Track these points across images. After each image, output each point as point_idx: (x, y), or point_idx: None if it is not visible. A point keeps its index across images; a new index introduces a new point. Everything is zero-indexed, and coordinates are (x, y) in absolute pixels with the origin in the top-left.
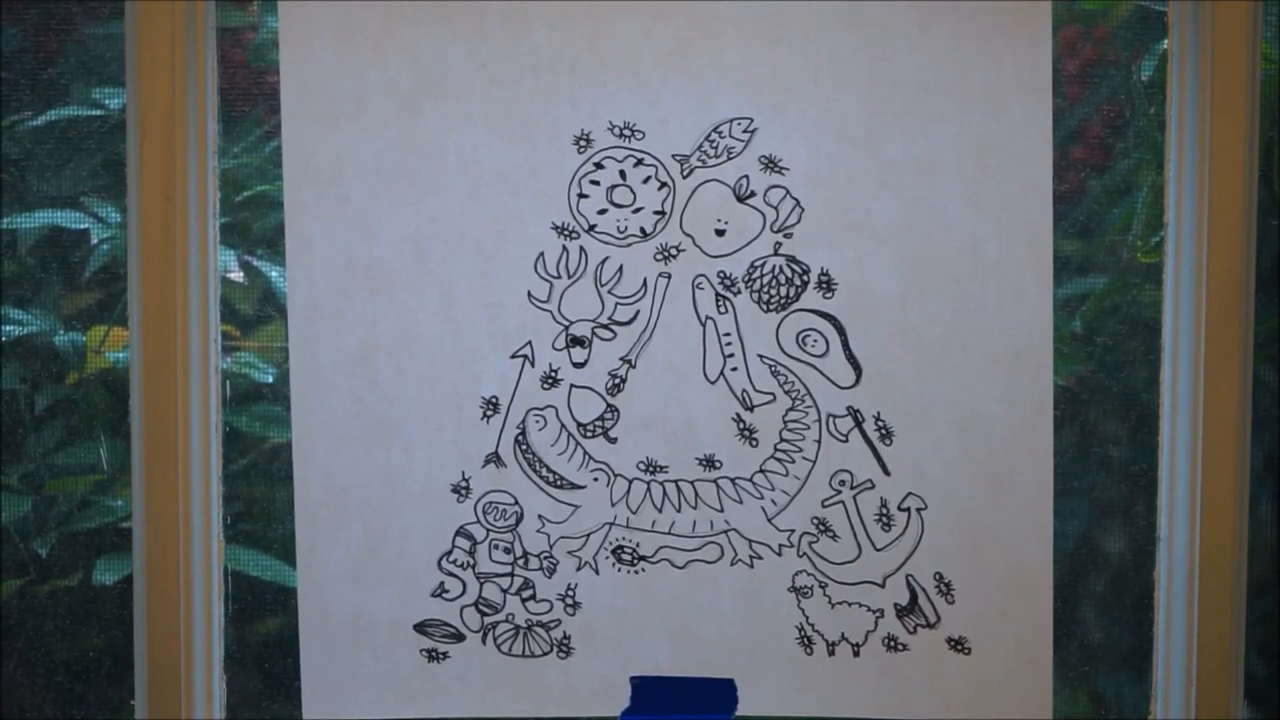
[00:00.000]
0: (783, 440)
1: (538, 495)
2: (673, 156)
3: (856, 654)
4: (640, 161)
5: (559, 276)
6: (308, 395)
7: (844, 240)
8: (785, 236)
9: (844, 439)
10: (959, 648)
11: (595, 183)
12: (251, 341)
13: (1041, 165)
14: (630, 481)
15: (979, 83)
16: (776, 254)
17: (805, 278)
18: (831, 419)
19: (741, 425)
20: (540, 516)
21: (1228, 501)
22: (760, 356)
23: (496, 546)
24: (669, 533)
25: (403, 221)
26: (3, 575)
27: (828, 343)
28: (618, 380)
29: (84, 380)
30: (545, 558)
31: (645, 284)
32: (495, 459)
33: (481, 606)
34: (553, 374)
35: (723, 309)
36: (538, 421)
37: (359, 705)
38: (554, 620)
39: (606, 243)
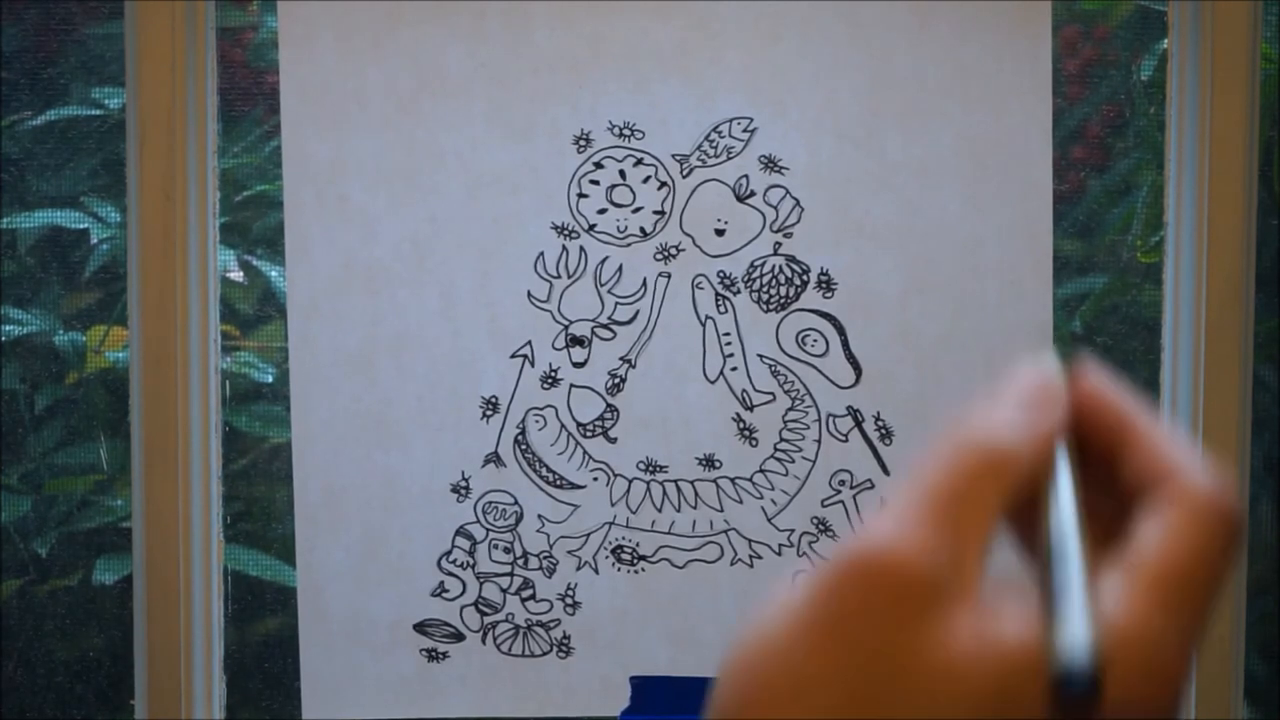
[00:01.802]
0: (783, 440)
1: (537, 495)
2: (672, 156)
3: None
4: (640, 161)
5: (559, 276)
6: (307, 395)
7: (844, 240)
8: (785, 236)
9: (844, 439)
10: None
11: (595, 182)
12: (251, 341)
13: (1041, 165)
14: (630, 481)
15: (979, 83)
16: (776, 254)
17: (805, 277)
18: (831, 419)
19: (741, 425)
20: (540, 516)
21: None
22: (760, 356)
23: (496, 546)
24: (669, 532)
25: (402, 221)
26: (3, 575)
27: (828, 342)
28: (617, 380)
29: (84, 380)
30: (545, 557)
31: (645, 284)
32: (495, 459)
33: (481, 606)
34: (552, 374)
35: (722, 309)
36: (537, 421)
37: (358, 706)
38: (554, 620)
39: (606, 242)
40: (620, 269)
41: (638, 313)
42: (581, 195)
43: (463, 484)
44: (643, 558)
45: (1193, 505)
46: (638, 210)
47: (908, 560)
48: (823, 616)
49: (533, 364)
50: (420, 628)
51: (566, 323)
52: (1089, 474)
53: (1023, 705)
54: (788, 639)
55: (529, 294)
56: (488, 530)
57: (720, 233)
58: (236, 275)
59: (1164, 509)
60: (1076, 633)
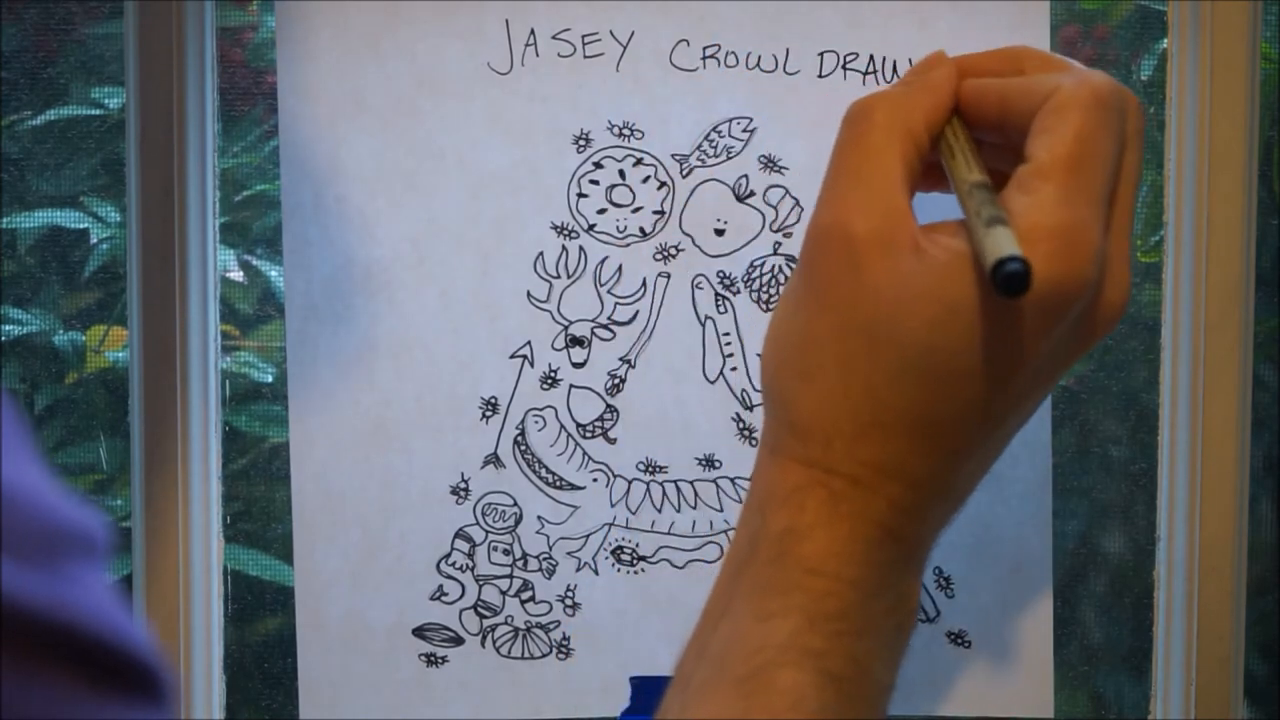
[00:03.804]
0: None
1: (537, 496)
2: (672, 156)
3: None
4: (640, 161)
5: (558, 276)
6: (305, 398)
7: None
8: (785, 236)
9: None
10: (959, 641)
11: (595, 182)
12: (251, 341)
13: None
14: (630, 482)
15: None
16: (776, 253)
17: None
18: None
19: (741, 425)
20: (539, 518)
21: (1228, 501)
22: (760, 356)
23: (495, 548)
24: (669, 533)
25: (401, 222)
26: None
27: None
28: (617, 380)
29: (83, 380)
30: (544, 559)
31: (645, 284)
32: (494, 460)
33: (480, 609)
34: (552, 374)
35: (722, 309)
36: (537, 422)
37: (357, 711)
38: (553, 621)
39: (606, 242)
40: (620, 269)
41: (637, 313)
42: (581, 195)
43: (462, 485)
44: (643, 558)
45: (1061, 101)
46: (637, 210)
47: (847, 223)
48: (801, 281)
49: (532, 364)
50: (419, 632)
51: (566, 323)
52: (987, 152)
53: (962, 303)
54: (784, 302)
55: (528, 294)
56: (487, 532)
57: (720, 233)
58: (236, 275)
59: (1042, 119)
60: (998, 230)
